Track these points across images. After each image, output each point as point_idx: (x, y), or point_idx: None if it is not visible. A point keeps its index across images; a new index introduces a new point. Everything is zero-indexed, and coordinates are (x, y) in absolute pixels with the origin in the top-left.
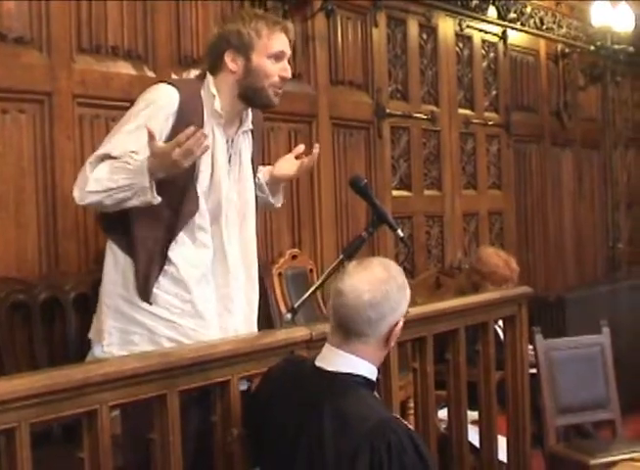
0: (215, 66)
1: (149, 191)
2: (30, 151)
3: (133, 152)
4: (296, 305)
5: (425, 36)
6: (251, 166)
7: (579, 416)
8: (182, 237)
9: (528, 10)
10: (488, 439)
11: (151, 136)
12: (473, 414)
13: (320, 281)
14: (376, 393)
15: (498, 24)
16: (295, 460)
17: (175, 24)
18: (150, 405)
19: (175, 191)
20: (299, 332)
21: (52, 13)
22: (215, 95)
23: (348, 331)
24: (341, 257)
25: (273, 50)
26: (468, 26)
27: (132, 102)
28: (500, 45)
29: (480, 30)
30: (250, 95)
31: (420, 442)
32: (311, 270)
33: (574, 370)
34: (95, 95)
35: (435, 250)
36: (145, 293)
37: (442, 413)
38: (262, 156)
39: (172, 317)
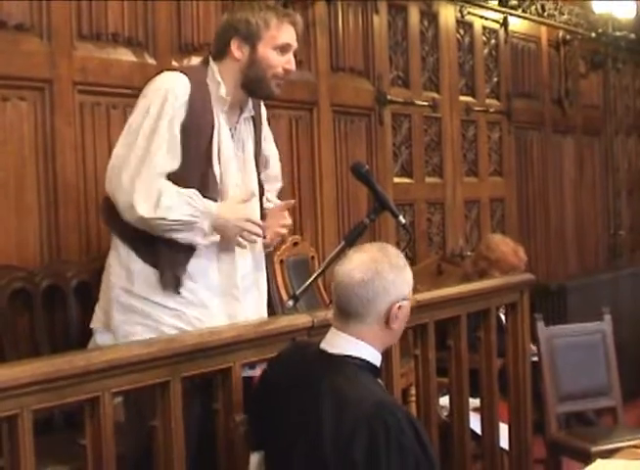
0: (221, 52)
1: (203, 234)
2: (31, 138)
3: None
4: (297, 293)
5: (426, 23)
6: (253, 154)
7: (581, 403)
8: None
9: None
10: (490, 426)
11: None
12: (474, 401)
13: (322, 268)
14: (380, 380)
15: (499, 11)
16: (296, 441)
17: (176, 11)
18: (153, 392)
19: (196, 177)
20: (301, 319)
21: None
22: (221, 82)
23: (346, 312)
24: (342, 243)
25: (280, 41)
26: (469, 13)
27: (133, 89)
28: (501, 32)
29: (481, 17)
30: (251, 85)
31: (419, 425)
32: (313, 257)
33: (576, 357)
34: (95, 82)
35: (437, 237)
36: (174, 284)
37: (444, 400)
38: None
39: (178, 306)
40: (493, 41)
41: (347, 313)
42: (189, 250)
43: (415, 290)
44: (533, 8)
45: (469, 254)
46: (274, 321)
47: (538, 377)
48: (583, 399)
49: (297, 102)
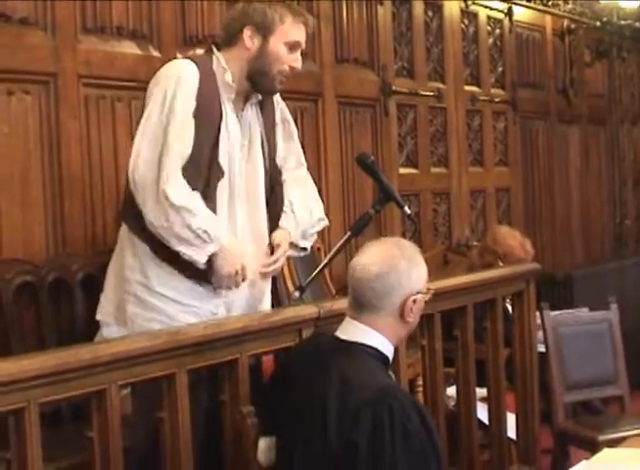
0: (230, 39)
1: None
2: (36, 132)
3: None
4: (303, 284)
5: (430, 13)
6: (260, 139)
7: (588, 392)
8: None
9: None
10: (497, 415)
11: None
12: (482, 391)
13: (327, 259)
14: (391, 373)
15: (504, 1)
16: (304, 426)
17: (180, 4)
18: (159, 384)
19: (204, 165)
20: (307, 310)
21: None
22: (227, 68)
23: (361, 303)
24: (348, 234)
25: (291, 38)
26: (473, 3)
27: (138, 82)
28: (506, 22)
29: (486, 7)
30: (256, 76)
31: (425, 411)
32: (319, 249)
33: (583, 346)
34: (100, 75)
35: (443, 227)
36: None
37: (451, 390)
38: None
39: (192, 301)
40: (498, 31)
41: (362, 304)
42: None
43: None
44: None
45: (475, 243)
46: (280, 312)
47: (545, 367)
48: (590, 387)
49: (303, 93)
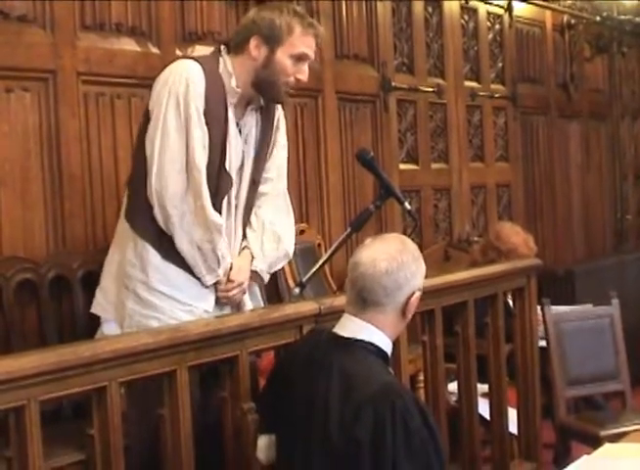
0: (238, 47)
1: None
2: (36, 129)
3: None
4: (304, 280)
5: (430, 9)
6: (255, 145)
7: (589, 388)
8: None
9: None
10: (498, 411)
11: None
12: (483, 387)
13: (328, 255)
14: (390, 368)
15: None
16: (306, 423)
17: (179, 1)
18: (158, 381)
19: (213, 171)
20: (308, 306)
21: None
22: (232, 73)
23: (365, 300)
24: (348, 230)
25: (298, 51)
26: None
27: (137, 78)
28: (506, 17)
29: (486, 2)
30: (262, 86)
31: (426, 408)
32: (319, 245)
33: (584, 341)
34: (99, 72)
35: (443, 223)
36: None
37: (453, 386)
38: None
39: (189, 300)
40: (498, 26)
41: (366, 301)
42: None
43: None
44: None
45: (476, 239)
46: (280, 309)
47: (546, 362)
48: (592, 383)
49: (302, 89)
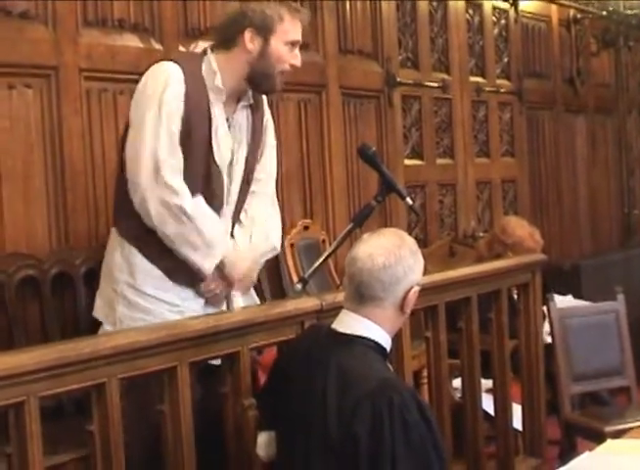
0: (228, 41)
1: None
2: (38, 125)
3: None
4: (306, 275)
5: (434, 4)
6: (247, 142)
7: (594, 383)
8: None
9: None
10: (503, 407)
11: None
12: (488, 383)
13: (330, 250)
14: (389, 364)
15: None
16: (305, 420)
17: None
18: (159, 377)
19: (200, 172)
20: (309, 302)
21: None
22: (217, 71)
23: (363, 296)
24: (350, 225)
25: (291, 37)
26: None
27: (140, 75)
28: (511, 12)
29: None
30: (257, 78)
31: (425, 404)
32: (324, 241)
33: (589, 337)
34: (102, 69)
35: (449, 218)
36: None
37: (457, 382)
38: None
39: (177, 301)
40: (503, 21)
41: (364, 296)
42: None
43: (426, 272)
44: None
45: (481, 235)
46: (282, 305)
47: (551, 357)
48: (597, 378)
49: (306, 85)
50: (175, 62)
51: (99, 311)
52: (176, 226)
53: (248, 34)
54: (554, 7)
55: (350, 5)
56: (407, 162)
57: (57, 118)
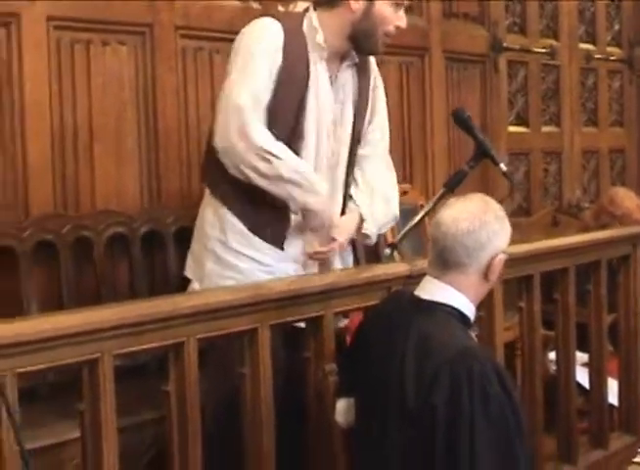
0: (333, 1)
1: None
2: (132, 83)
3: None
4: (396, 240)
5: None
6: (352, 105)
7: None
8: None
9: None
10: (598, 381)
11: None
12: (585, 356)
13: (421, 214)
14: (473, 333)
15: None
16: (383, 387)
17: None
18: (239, 339)
19: (283, 131)
20: (398, 267)
21: None
22: (318, 28)
23: (447, 261)
24: (442, 190)
25: None
26: None
27: (237, 34)
28: None
29: None
30: (360, 39)
31: (506, 375)
32: (422, 206)
33: None
34: (198, 27)
35: (553, 188)
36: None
37: (553, 355)
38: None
39: (268, 260)
40: None
41: (448, 262)
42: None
43: (529, 240)
44: None
45: (586, 205)
46: (369, 269)
47: None
48: None
49: (407, 48)
50: (275, 17)
51: (189, 270)
52: (269, 167)
53: None
54: None
55: None
56: (511, 129)
57: (151, 76)
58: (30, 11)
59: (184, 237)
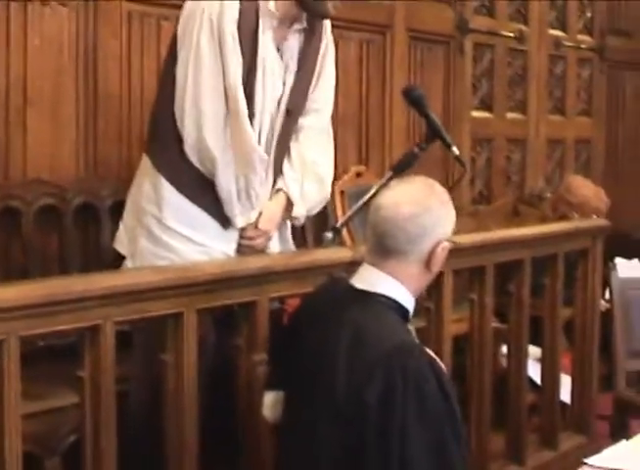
0: None
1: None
2: (72, 47)
3: None
4: (338, 225)
5: None
6: (296, 66)
7: None
8: None
9: None
10: (551, 377)
11: None
12: (538, 350)
13: (366, 198)
14: (411, 327)
15: None
16: (313, 380)
17: None
18: (164, 323)
19: None
20: (340, 253)
21: None
22: None
23: (386, 248)
24: (389, 173)
25: None
26: None
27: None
28: None
29: None
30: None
31: (444, 373)
32: None
33: None
34: None
35: (516, 176)
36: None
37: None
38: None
39: (205, 241)
40: None
41: (387, 249)
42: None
43: (487, 229)
44: None
45: (548, 195)
46: (309, 253)
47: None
48: None
49: (370, 24)
50: None
51: (119, 244)
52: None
53: None
54: None
55: None
56: (475, 113)
57: (92, 40)
58: None
59: (120, 211)
